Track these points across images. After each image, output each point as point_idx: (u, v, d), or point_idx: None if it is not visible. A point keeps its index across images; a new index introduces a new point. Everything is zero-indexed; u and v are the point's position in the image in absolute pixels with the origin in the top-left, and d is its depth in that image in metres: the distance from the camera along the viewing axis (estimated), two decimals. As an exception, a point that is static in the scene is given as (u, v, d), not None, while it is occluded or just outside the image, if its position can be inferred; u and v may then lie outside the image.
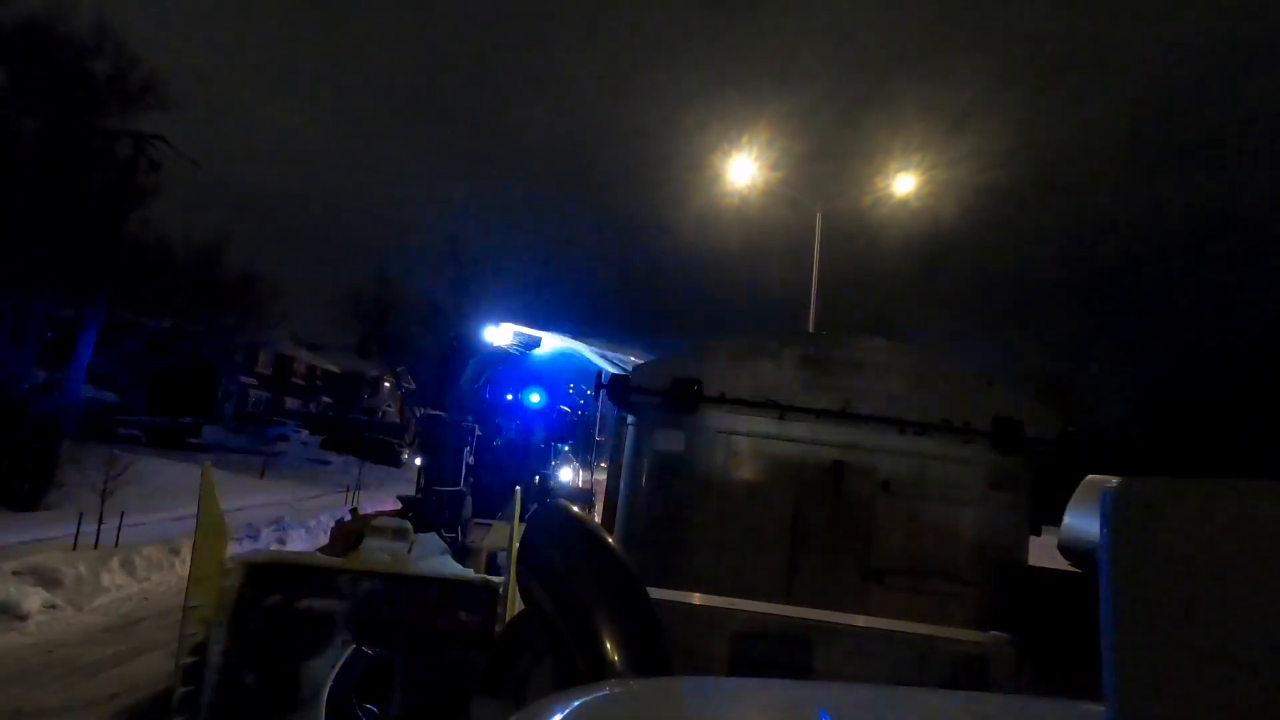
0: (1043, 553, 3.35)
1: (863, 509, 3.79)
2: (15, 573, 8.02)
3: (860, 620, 3.10)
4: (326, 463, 31.47)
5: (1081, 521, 2.31)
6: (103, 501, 12.61)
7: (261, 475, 23.65)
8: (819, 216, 14.96)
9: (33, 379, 17.42)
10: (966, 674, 2.81)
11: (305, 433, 38.18)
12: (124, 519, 12.02)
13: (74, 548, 10.46)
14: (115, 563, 9.23)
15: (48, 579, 8.15)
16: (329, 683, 4.31)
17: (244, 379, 41.47)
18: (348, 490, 22.25)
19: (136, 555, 9.81)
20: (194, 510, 4.49)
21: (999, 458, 3.75)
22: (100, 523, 11.87)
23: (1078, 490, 2.27)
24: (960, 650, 2.88)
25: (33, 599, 7.69)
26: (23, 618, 7.45)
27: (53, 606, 7.86)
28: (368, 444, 34.05)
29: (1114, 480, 0.58)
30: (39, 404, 16.82)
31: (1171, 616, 0.54)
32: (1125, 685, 0.54)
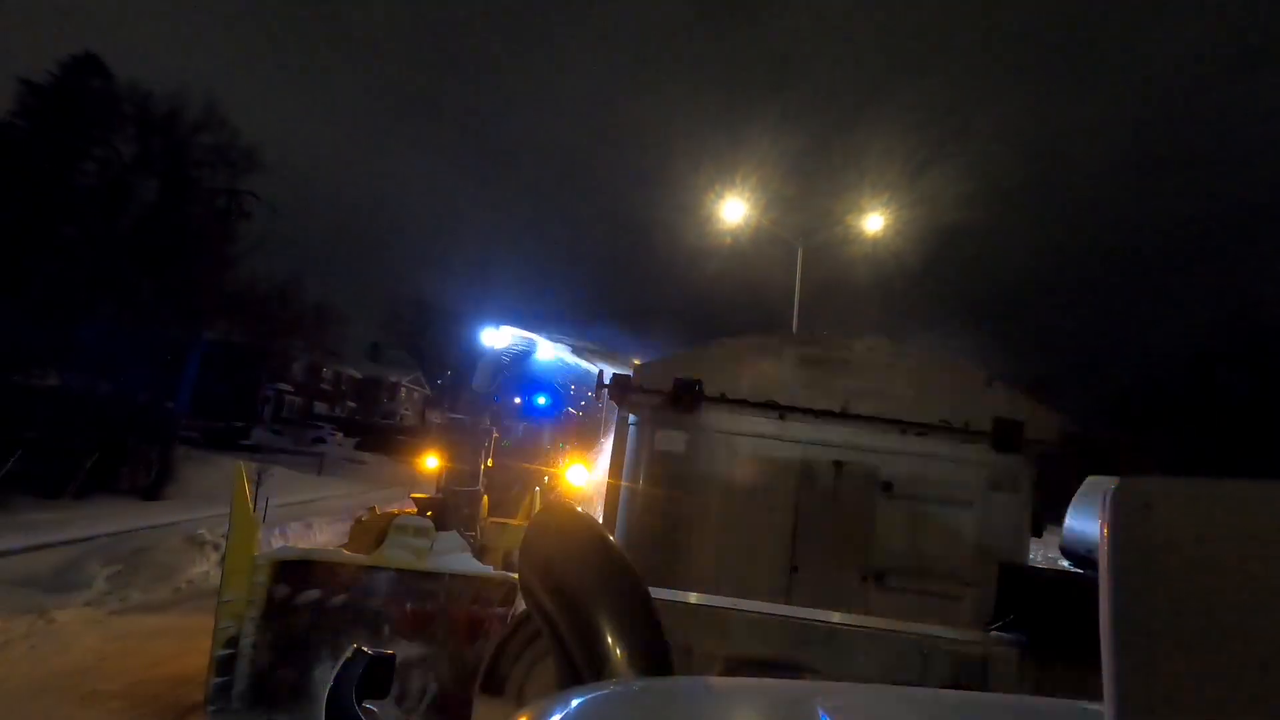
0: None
1: (863, 509, 3.79)
2: (224, 536, 11.42)
3: (861, 620, 3.10)
4: (363, 462, 34.22)
5: (1082, 522, 2.31)
6: (257, 489, 16.02)
7: (319, 473, 26.51)
8: (799, 252, 15.41)
9: (149, 393, 20.96)
10: (966, 674, 2.81)
11: (340, 435, 41.03)
12: (254, 503, 15.09)
13: (236, 522, 13.97)
14: (275, 533, 12.71)
15: (240, 541, 11.18)
16: (330, 681, 4.34)
17: (280, 385, 43.52)
18: (405, 487, 24.86)
19: (286, 528, 13.65)
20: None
21: (999, 458, 3.75)
22: (263, 503, 15.19)
23: (1079, 490, 2.26)
24: (960, 650, 2.87)
25: (237, 553, 10.60)
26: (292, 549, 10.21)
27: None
28: (395, 445, 36.93)
29: (1114, 480, 0.58)
30: (155, 413, 20.38)
31: (1171, 616, 0.54)
32: (1125, 685, 0.54)
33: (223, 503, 14.93)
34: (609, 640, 1.23)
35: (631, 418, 4.12)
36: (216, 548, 10.49)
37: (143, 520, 14.47)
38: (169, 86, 21.76)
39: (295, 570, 4.59)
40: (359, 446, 38.70)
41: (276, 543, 11.84)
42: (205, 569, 10.18)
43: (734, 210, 15.20)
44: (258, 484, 16.40)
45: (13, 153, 18.57)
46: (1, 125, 18.94)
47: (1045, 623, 2.82)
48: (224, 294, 22.79)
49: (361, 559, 4.79)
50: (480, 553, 6.96)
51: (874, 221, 15.35)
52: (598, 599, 1.28)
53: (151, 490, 18.39)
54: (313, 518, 15.20)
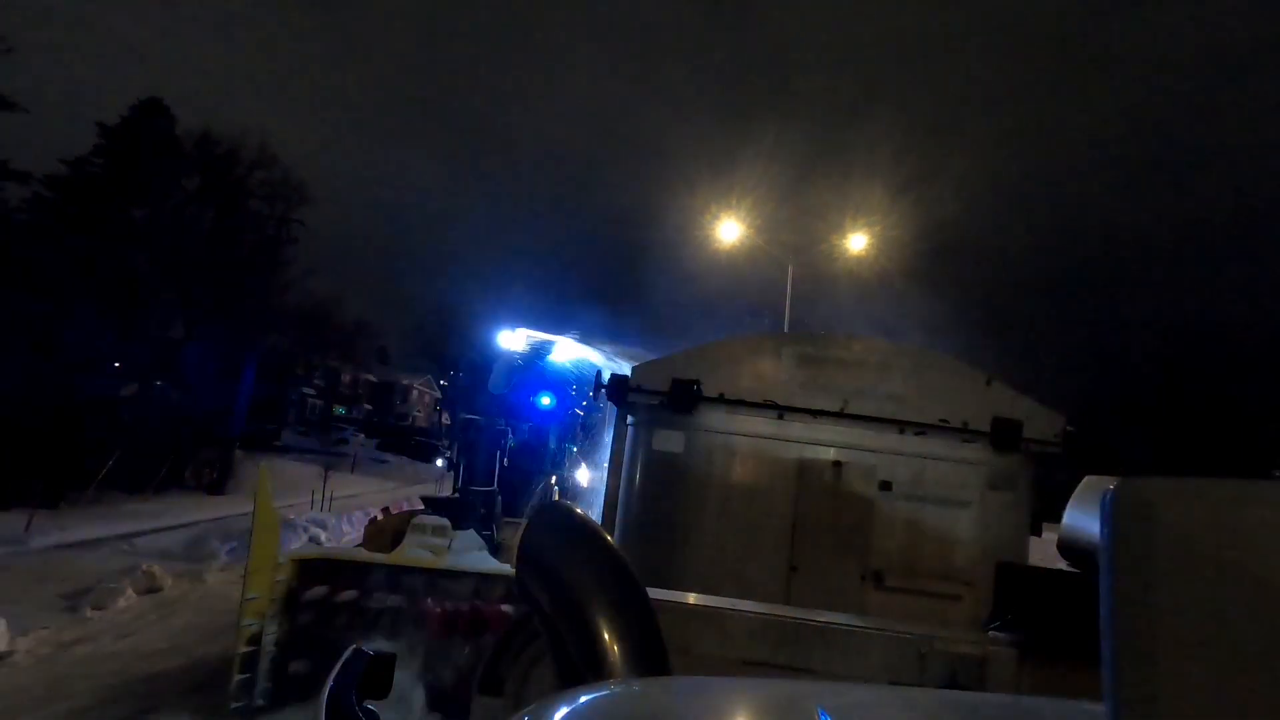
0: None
1: (862, 509, 3.79)
2: (310, 521, 13.67)
3: (860, 620, 3.09)
4: (386, 461, 35.90)
5: (1081, 521, 2.31)
6: (324, 484, 19.20)
7: (352, 470, 28.25)
8: (789, 270, 15.68)
9: (211, 400, 22.85)
10: (966, 674, 2.81)
11: (362, 436, 42.80)
12: (326, 495, 18.52)
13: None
14: (345, 520, 15.06)
15: (321, 525, 13.73)
16: (330, 682, 4.35)
17: (304, 390, 44.71)
18: (435, 481, 26.33)
19: (353, 515, 15.77)
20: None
21: (998, 458, 3.75)
22: (325, 496, 18.26)
23: (1077, 490, 2.26)
24: (960, 650, 2.87)
25: (322, 535, 13.17)
26: (320, 546, 11.79)
27: (331, 542, 12.88)
28: (414, 446, 39.27)
29: (1113, 480, 0.58)
30: (217, 418, 22.77)
31: (1172, 617, 0.53)
32: (1125, 685, 0.54)
33: (286, 495, 16.26)
34: (607, 640, 1.23)
35: (630, 418, 4.12)
36: (305, 529, 12.97)
37: (227, 510, 16.55)
38: (207, 115, 24.88)
39: (317, 569, 4.65)
40: (380, 446, 40.50)
41: (344, 529, 14.29)
42: (300, 545, 11.88)
43: (729, 228, 15.68)
44: (325, 481, 19.84)
45: (89, 188, 20.94)
46: (79, 162, 21.40)
47: (1044, 623, 2.82)
48: (277, 312, 25.42)
49: (382, 557, 4.85)
50: (496, 551, 7.09)
51: (857, 240, 16.04)
52: (595, 599, 1.28)
53: (215, 486, 20.91)
54: (368, 508, 17.26)
